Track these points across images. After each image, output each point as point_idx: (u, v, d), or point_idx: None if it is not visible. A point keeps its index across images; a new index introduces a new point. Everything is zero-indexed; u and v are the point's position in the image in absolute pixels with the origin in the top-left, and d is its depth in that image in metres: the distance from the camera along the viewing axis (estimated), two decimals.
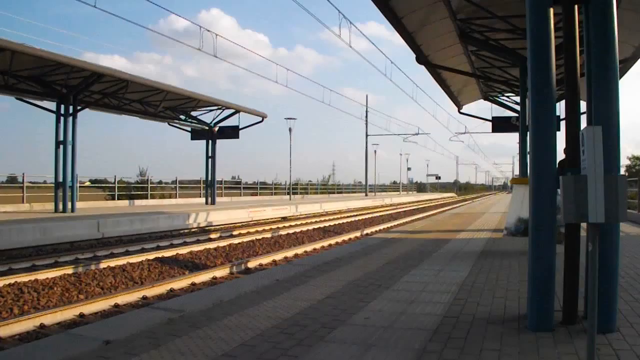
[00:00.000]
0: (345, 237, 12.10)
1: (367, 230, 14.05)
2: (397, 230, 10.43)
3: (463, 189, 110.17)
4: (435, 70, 10.36)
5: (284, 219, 18.17)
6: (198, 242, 10.71)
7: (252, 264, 8.27)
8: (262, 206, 18.23)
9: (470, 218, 13.39)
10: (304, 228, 14.18)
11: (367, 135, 41.70)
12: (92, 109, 14.62)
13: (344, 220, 17.63)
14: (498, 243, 7.47)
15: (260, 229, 13.78)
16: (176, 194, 23.24)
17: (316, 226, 15.05)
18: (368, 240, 8.12)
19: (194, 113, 18.79)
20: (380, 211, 24.61)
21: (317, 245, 10.57)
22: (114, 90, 14.10)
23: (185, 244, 10.36)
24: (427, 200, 47.08)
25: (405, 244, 7.44)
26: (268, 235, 12.21)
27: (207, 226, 13.87)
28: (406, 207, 30.87)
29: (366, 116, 41.30)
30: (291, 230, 13.39)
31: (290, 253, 9.36)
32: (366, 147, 41.89)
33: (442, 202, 40.48)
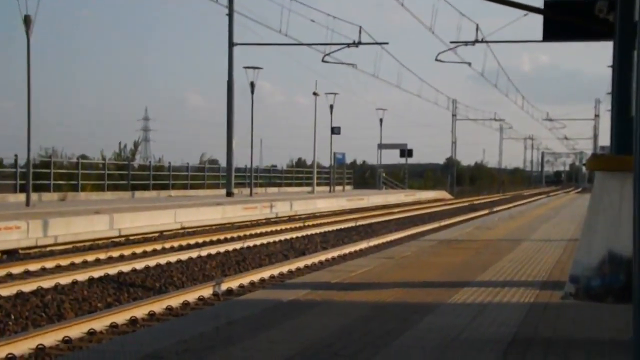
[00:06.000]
0: (172, 302, 12.66)
1: (234, 282, 14.71)
2: (308, 281, 10.52)
3: (468, 180, 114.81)
4: None
5: None
6: None
7: None
8: None
9: (486, 253, 13.82)
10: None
11: (231, 44, 41.96)
12: None
13: (150, 263, 18.03)
14: (555, 317, 7.74)
15: None
16: None
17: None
18: (233, 309, 8.18)
19: None
20: (257, 233, 25.60)
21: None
22: None
23: None
24: (376, 207, 48.29)
25: (327, 319, 7.47)
26: None
27: None
28: (328, 222, 31.63)
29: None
30: None
31: None
32: (229, 76, 42.37)
33: (414, 213, 41.93)
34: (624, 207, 6.06)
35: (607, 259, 6.09)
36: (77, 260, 17.88)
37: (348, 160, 79.35)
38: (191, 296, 13.20)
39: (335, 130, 63.18)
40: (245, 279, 15.23)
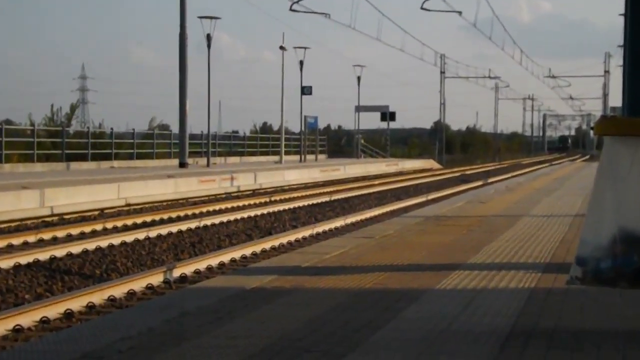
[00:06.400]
0: (115, 292, 12.62)
1: (188, 268, 14.78)
2: (275, 265, 10.51)
3: (459, 147, 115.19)
4: None
5: None
6: None
7: None
8: None
9: (480, 231, 13.92)
10: None
11: None
12: None
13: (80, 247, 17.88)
14: (559, 305, 7.78)
15: None
16: None
17: None
18: (187, 298, 8.16)
19: None
20: (216, 210, 26.11)
21: None
22: None
23: None
24: (354, 178, 48.32)
25: (296, 309, 7.48)
26: None
27: None
28: (299, 196, 31.99)
29: None
30: None
31: None
32: (182, 28, 42.64)
33: (397, 186, 42.19)
34: (637, 177, 6.06)
35: (618, 238, 6.08)
36: (1, 244, 17.68)
37: (321, 125, 79.52)
38: (138, 284, 13.16)
39: (306, 90, 63.16)
40: (202, 264, 15.21)
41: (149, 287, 13.23)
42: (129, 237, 18.71)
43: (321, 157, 70.69)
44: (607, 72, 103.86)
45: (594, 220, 6.30)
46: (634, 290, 6.25)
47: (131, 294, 12.71)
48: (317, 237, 19.72)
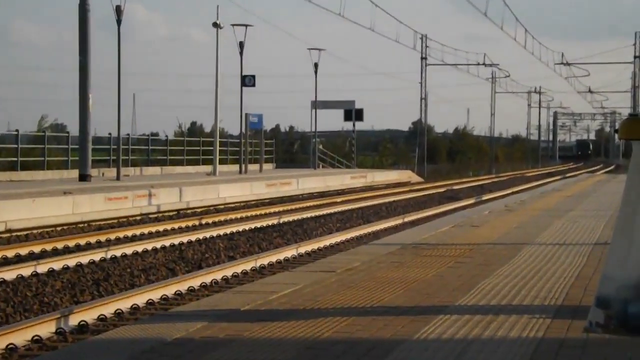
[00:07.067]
0: None
1: (90, 313, 14.74)
2: (205, 308, 10.51)
3: (445, 155, 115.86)
4: None
5: None
6: None
7: None
8: None
9: (472, 263, 14.04)
10: None
11: None
12: None
13: None
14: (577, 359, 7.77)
15: None
16: None
17: None
18: (87, 354, 8.12)
19: None
20: (129, 237, 26.19)
21: None
22: None
23: None
24: (309, 195, 48.51)
25: None
26: None
27: None
28: (237, 218, 32.10)
29: None
30: None
31: None
32: None
33: (365, 204, 42.29)
34: None
35: None
36: None
37: (268, 126, 79.95)
38: (20, 337, 13.03)
39: (247, 81, 63.25)
40: (109, 308, 15.10)
41: (36, 341, 13.09)
42: (10, 274, 18.64)
43: (267, 167, 70.97)
44: (637, 57, 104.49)
45: (620, 250, 6.31)
46: None
47: (11, 350, 12.58)
48: (261, 272, 19.87)
